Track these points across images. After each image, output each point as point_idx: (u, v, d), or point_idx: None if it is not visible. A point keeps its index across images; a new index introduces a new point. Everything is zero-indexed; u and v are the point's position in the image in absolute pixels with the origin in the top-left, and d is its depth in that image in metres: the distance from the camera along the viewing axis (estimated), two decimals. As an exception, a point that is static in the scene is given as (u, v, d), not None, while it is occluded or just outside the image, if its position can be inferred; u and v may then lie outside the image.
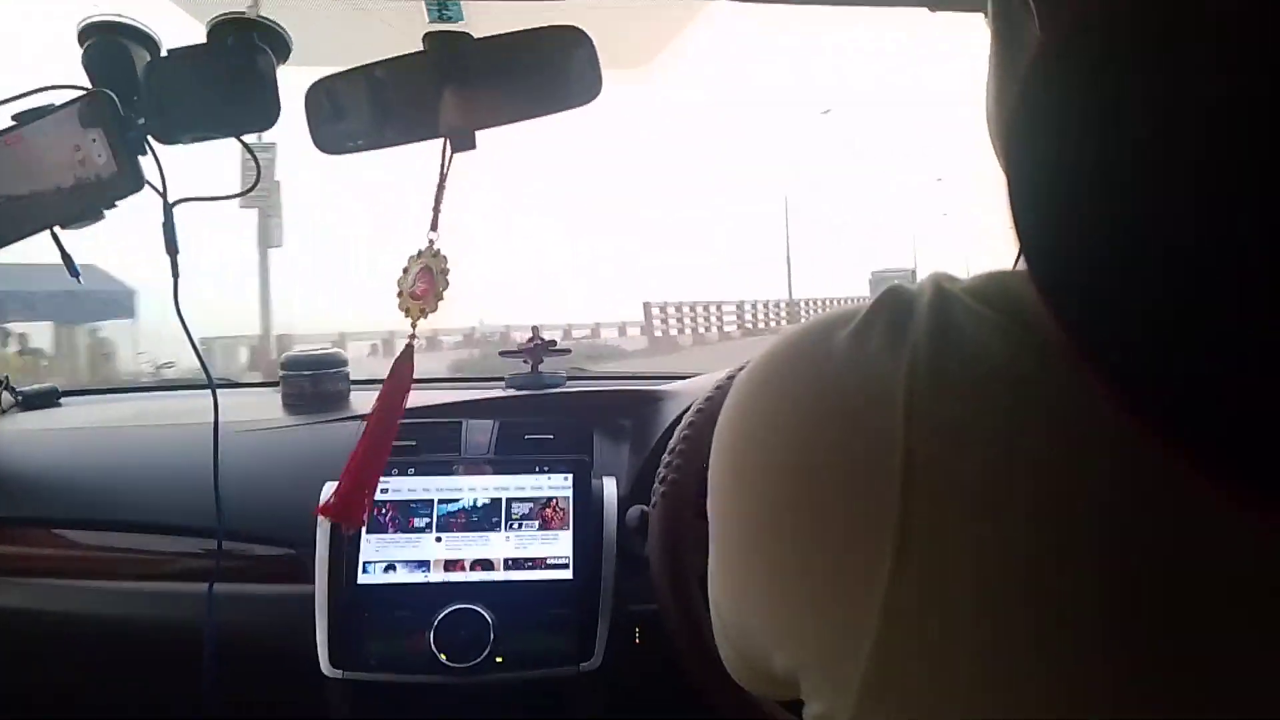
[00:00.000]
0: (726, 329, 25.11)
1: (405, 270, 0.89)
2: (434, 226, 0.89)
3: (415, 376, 0.91)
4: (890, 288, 0.45)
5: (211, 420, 1.10)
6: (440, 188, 0.89)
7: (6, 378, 1.44)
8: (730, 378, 0.98)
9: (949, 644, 0.37)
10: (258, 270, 10.29)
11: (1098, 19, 0.33)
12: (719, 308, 25.70)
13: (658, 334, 21.86)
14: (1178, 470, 0.32)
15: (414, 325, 0.89)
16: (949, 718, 0.38)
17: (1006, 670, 0.37)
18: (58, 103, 0.92)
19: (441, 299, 0.89)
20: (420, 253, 0.89)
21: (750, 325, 26.68)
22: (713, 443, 0.50)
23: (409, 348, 0.90)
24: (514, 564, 1.12)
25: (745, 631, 0.49)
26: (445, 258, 0.89)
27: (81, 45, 0.92)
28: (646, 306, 22.45)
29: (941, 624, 0.37)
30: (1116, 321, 0.32)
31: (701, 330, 23.81)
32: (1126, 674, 0.36)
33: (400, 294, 0.89)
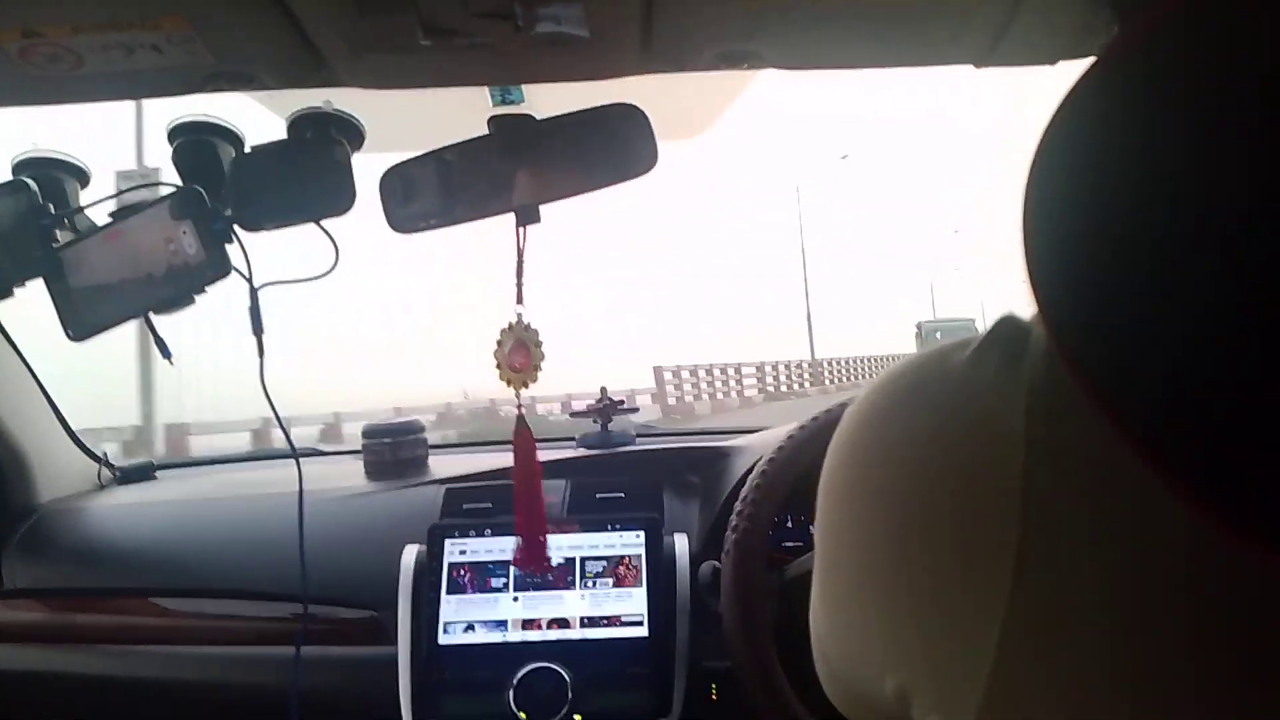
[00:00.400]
0: (747, 393, 24.18)
1: (499, 343, 0.94)
2: (519, 300, 0.95)
3: (483, 439, 0.96)
4: (1004, 317, 0.45)
5: (297, 489, 1.15)
6: (519, 263, 0.94)
7: (105, 453, 1.52)
8: (801, 428, 0.99)
9: (1063, 680, 0.38)
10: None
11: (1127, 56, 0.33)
12: (738, 370, 24.59)
13: (671, 400, 20.70)
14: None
15: (518, 394, 0.97)
16: None
17: (1117, 708, 0.37)
18: (151, 199, 0.98)
19: (540, 369, 0.96)
20: (511, 326, 0.94)
21: (773, 388, 25.59)
22: (823, 474, 0.50)
23: (520, 416, 0.98)
24: (589, 622, 1.13)
25: (851, 658, 0.49)
26: (536, 330, 0.94)
27: (171, 144, 0.99)
28: (658, 371, 21.20)
29: (1056, 659, 0.38)
30: (1131, 379, 0.33)
31: (720, 395, 22.83)
32: (1219, 706, 0.37)
33: (499, 365, 0.95)
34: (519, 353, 0.94)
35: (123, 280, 1.01)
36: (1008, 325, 0.44)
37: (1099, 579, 0.37)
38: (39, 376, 1.40)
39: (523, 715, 1.07)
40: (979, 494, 0.40)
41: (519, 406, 0.98)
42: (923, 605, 0.42)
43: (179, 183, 0.97)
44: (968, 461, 0.41)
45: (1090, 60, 0.34)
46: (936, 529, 0.41)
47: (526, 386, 0.96)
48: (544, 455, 1.42)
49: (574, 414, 1.48)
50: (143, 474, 1.53)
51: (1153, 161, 0.32)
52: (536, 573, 1.14)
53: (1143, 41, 0.33)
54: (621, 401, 1.45)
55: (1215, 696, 0.37)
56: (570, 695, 1.07)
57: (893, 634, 0.44)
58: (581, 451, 1.43)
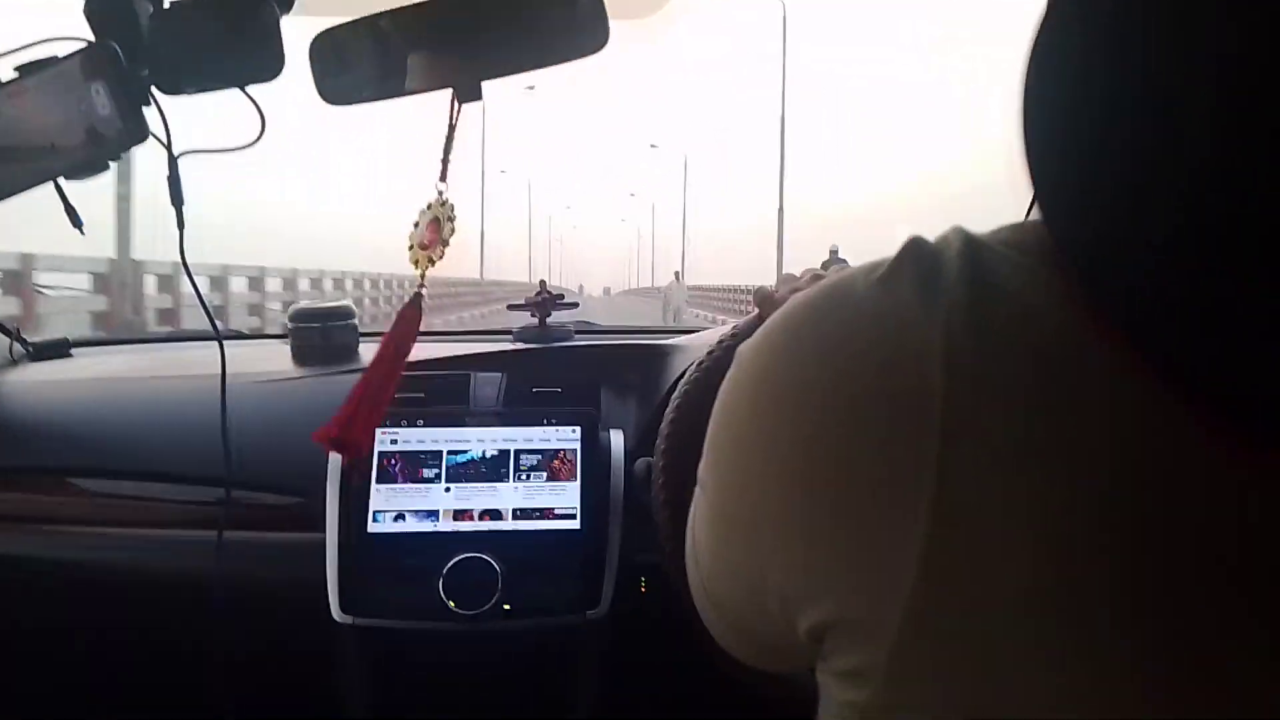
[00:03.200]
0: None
1: (415, 224, 0.89)
2: (443, 177, 0.88)
3: (423, 329, 0.92)
4: (912, 238, 0.44)
5: (219, 371, 1.12)
6: (449, 139, 0.88)
7: (17, 328, 1.45)
8: (734, 334, 0.98)
9: (983, 594, 0.38)
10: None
11: None
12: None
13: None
14: (1196, 427, 0.32)
15: (422, 275, 0.89)
16: (982, 666, 0.38)
17: (1037, 622, 0.37)
18: (61, 54, 0.91)
19: (447, 245, 0.88)
20: (430, 205, 0.89)
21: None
22: (719, 404, 0.50)
23: (417, 295, 0.90)
24: (522, 514, 1.13)
25: (752, 599, 0.49)
26: (452, 205, 0.89)
27: None
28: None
29: (976, 574, 0.38)
30: (1126, 260, 0.32)
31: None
32: (1137, 635, 0.37)
33: (410, 246, 0.88)
34: (431, 229, 0.88)
35: (30, 143, 0.94)
36: (917, 247, 0.43)
37: (1020, 494, 0.37)
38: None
39: (452, 604, 1.07)
40: (898, 410, 0.40)
41: (421, 285, 0.90)
42: (841, 528, 0.42)
43: (91, 38, 0.90)
44: (885, 377, 0.40)
45: None
46: (855, 447, 0.41)
47: (432, 264, 0.88)
48: (480, 348, 1.40)
49: (511, 306, 1.46)
50: (57, 350, 1.47)
51: (1132, 60, 0.31)
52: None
53: None
54: (561, 296, 1.43)
55: (1134, 615, 0.37)
56: (500, 585, 1.08)
57: (808, 564, 0.44)
58: (519, 345, 1.41)
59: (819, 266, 0.96)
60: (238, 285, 13.65)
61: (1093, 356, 0.38)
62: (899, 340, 0.40)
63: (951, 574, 0.38)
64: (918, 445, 0.38)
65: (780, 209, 26.30)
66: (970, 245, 0.42)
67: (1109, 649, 0.37)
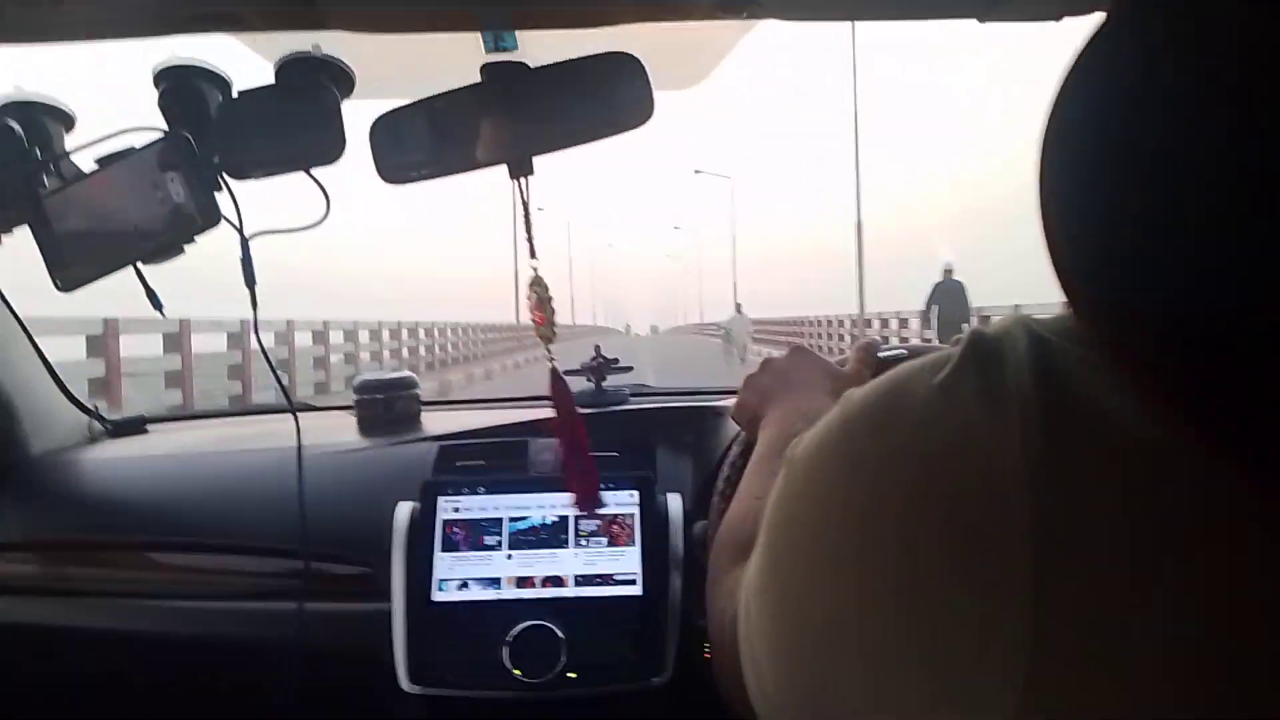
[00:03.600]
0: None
1: (529, 299, 0.95)
2: (532, 254, 0.94)
3: (479, 398, 0.95)
4: (973, 331, 0.43)
5: (294, 443, 1.15)
6: (528, 218, 0.93)
7: (96, 406, 1.51)
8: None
9: (1096, 688, 0.36)
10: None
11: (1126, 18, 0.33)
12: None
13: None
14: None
15: (549, 350, 0.98)
16: None
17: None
18: (137, 145, 0.96)
19: (554, 325, 0.97)
20: (530, 284, 0.94)
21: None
22: (776, 513, 0.48)
23: (554, 369, 1.00)
24: (583, 580, 1.13)
25: (821, 713, 0.46)
26: (546, 285, 0.95)
27: (157, 88, 0.96)
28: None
29: (1081, 695, 0.36)
30: (1153, 340, 0.32)
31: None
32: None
33: (534, 324, 0.97)
34: (538, 310, 0.94)
35: (110, 230, 0.99)
36: (980, 344, 0.42)
37: (1117, 614, 0.36)
38: (28, 327, 1.38)
39: (517, 672, 1.07)
40: (978, 528, 0.38)
41: (550, 359, 0.99)
42: (917, 648, 0.40)
43: (165, 129, 0.95)
44: (961, 493, 0.39)
45: (1095, 17, 0.34)
46: (936, 578, 0.39)
47: (550, 341, 0.97)
48: (537, 414, 1.41)
49: (568, 372, 1.47)
50: (134, 427, 1.52)
51: (1170, 123, 0.31)
52: (591, 510, 1.13)
53: (1138, 6, 0.33)
54: (616, 360, 1.44)
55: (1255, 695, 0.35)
56: (565, 652, 1.07)
57: (881, 687, 0.42)
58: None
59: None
60: (301, 340, 14.23)
61: (1174, 451, 0.36)
62: (974, 449, 0.39)
63: (1056, 686, 0.37)
64: (1010, 559, 0.37)
65: (859, 223, 22.43)
66: (1035, 342, 0.41)
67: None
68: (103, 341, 9.05)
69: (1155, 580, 0.36)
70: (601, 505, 1.11)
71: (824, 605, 0.44)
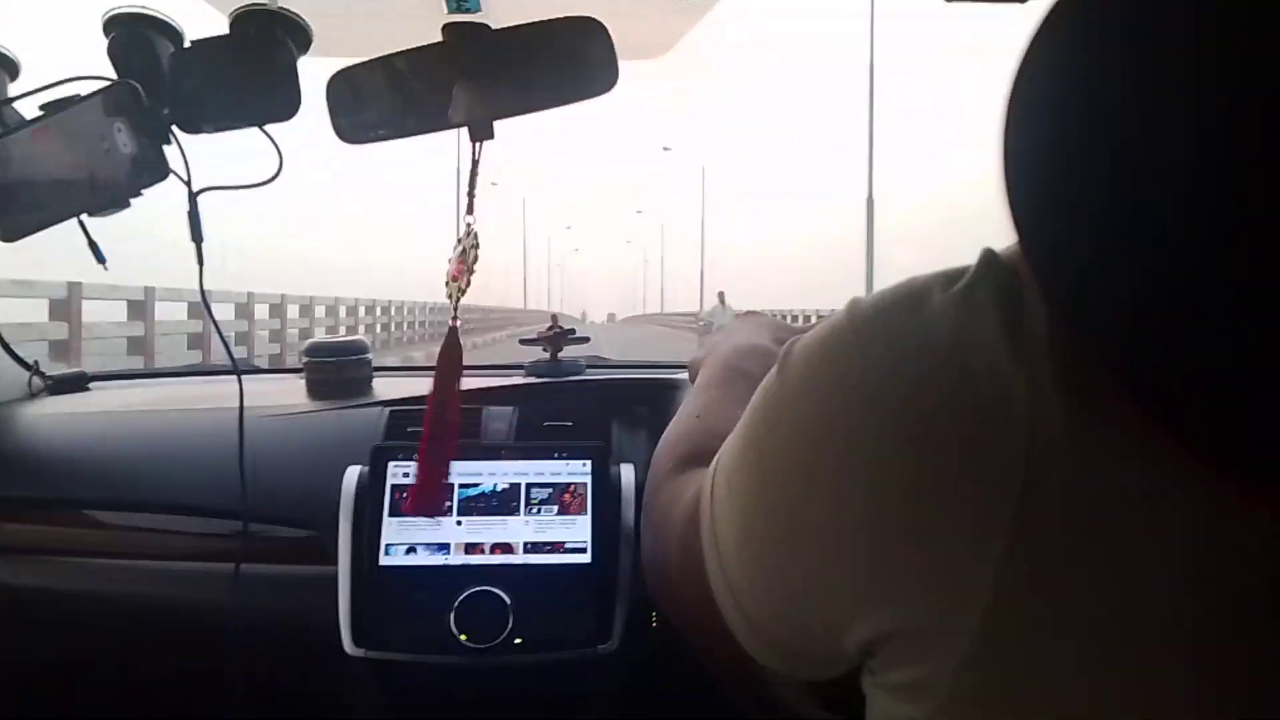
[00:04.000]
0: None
1: (449, 260, 0.92)
2: (469, 210, 0.92)
3: (431, 365, 0.94)
4: (986, 252, 0.44)
5: (237, 405, 1.13)
6: (474, 175, 0.91)
7: (36, 362, 1.47)
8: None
9: (1056, 619, 0.38)
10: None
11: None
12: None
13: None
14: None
15: (454, 308, 0.94)
16: (1052, 690, 0.38)
17: (1109, 655, 0.38)
18: (84, 93, 0.93)
19: (473, 273, 0.93)
20: (459, 239, 0.91)
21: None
22: (764, 405, 0.49)
23: (453, 330, 0.95)
24: (533, 548, 1.13)
25: (796, 607, 0.48)
26: (477, 235, 0.93)
27: (106, 36, 0.94)
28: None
29: (1050, 599, 0.38)
30: (1106, 305, 0.33)
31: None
32: (1214, 673, 0.37)
33: (446, 282, 0.93)
34: (459, 261, 0.91)
35: (55, 180, 0.96)
36: (994, 264, 0.43)
37: (1101, 536, 0.37)
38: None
39: (463, 638, 1.07)
40: (981, 440, 0.39)
41: (454, 318, 0.95)
42: (914, 538, 0.41)
43: (113, 77, 0.93)
44: (968, 409, 0.40)
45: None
46: (935, 464, 0.41)
47: (463, 294, 0.93)
48: (491, 382, 1.41)
49: (523, 341, 1.47)
50: (75, 384, 1.49)
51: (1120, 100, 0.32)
52: (426, 513, 1.11)
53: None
54: (572, 330, 1.44)
55: (1203, 652, 0.37)
56: (512, 619, 1.07)
57: (871, 572, 0.43)
58: (530, 379, 1.41)
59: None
60: (260, 312, 14.41)
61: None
62: (982, 372, 0.40)
63: (1027, 596, 0.38)
64: (1002, 479, 0.38)
65: (870, 199, 20.46)
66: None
67: (1178, 684, 0.37)
68: (66, 305, 9.15)
69: (1129, 524, 0.37)
70: (437, 498, 1.08)
71: (814, 490, 0.45)
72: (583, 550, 1.13)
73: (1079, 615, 0.38)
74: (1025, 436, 0.38)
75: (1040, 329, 0.40)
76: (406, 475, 1.16)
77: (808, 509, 0.45)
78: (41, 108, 0.95)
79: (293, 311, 16.09)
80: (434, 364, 0.97)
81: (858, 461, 0.43)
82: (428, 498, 1.02)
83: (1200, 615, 0.37)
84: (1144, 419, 0.37)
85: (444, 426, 0.97)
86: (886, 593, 0.42)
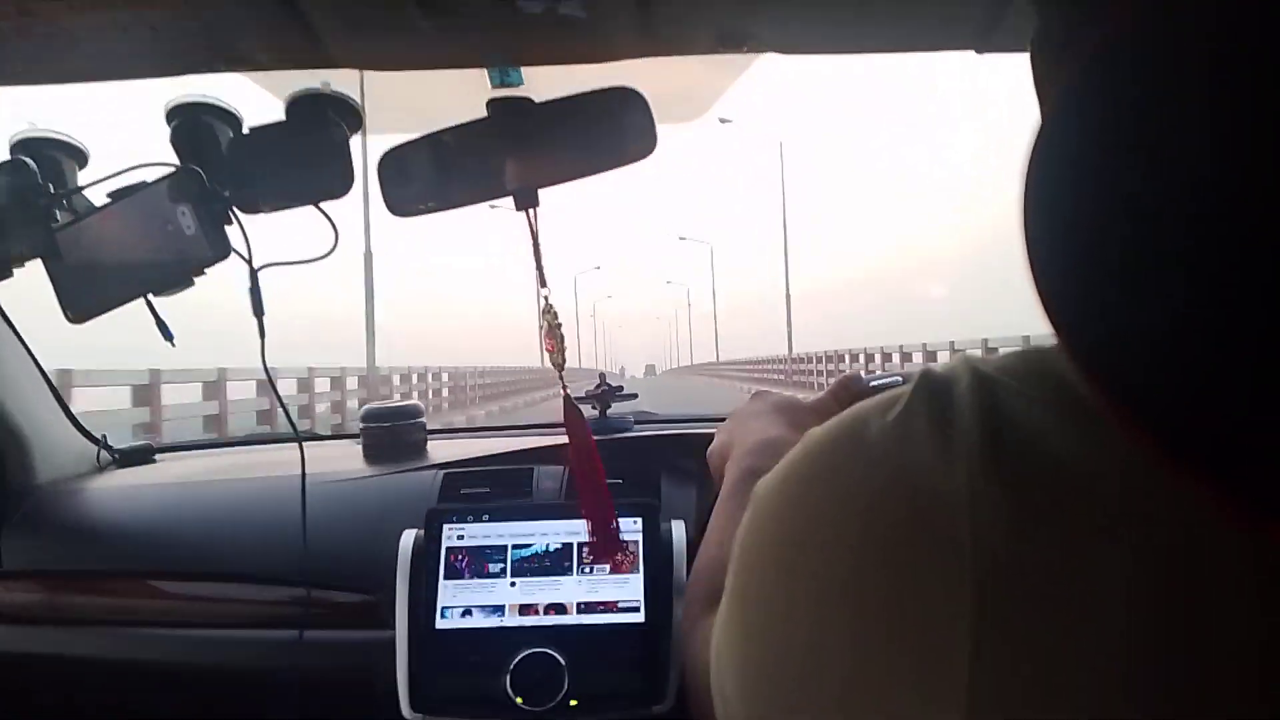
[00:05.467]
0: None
1: (540, 329, 0.96)
2: (542, 283, 0.95)
3: (482, 425, 0.96)
4: (924, 371, 0.45)
5: (299, 472, 1.15)
6: (536, 247, 0.94)
7: (104, 436, 1.52)
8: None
9: (1035, 711, 0.37)
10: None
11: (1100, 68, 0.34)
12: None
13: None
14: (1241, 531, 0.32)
15: (561, 378, 0.99)
16: None
17: None
18: (149, 180, 0.98)
19: (565, 347, 0.98)
20: (542, 313, 0.96)
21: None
22: (740, 544, 0.50)
23: (568, 398, 1.01)
24: (586, 608, 1.13)
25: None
26: (555, 312, 0.97)
27: (169, 124, 0.98)
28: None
29: (1026, 695, 0.37)
30: (1137, 364, 0.33)
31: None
32: None
33: (547, 351, 0.98)
34: (548, 338, 0.95)
35: (121, 262, 1.01)
36: (928, 384, 0.44)
37: (1059, 631, 0.37)
38: (37, 357, 1.40)
39: (519, 700, 1.07)
40: (926, 561, 0.40)
41: (564, 387, 1.00)
42: (873, 673, 0.41)
43: (177, 164, 0.97)
44: (910, 526, 0.40)
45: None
46: (880, 597, 0.41)
47: (561, 368, 0.98)
48: (542, 441, 1.42)
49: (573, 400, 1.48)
50: (142, 456, 1.53)
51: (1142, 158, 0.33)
52: (609, 561, 1.15)
53: (1107, 45, 0.33)
54: (620, 388, 1.45)
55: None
56: (567, 680, 1.07)
57: (845, 711, 0.42)
58: None
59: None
60: (320, 385, 15.15)
61: (1103, 477, 0.38)
62: (918, 485, 0.41)
63: (1000, 693, 0.38)
64: (952, 594, 0.38)
65: (787, 295, 32.76)
66: (979, 382, 0.42)
67: None
68: (148, 390, 9.95)
69: (1082, 601, 0.37)
70: (619, 543, 1.13)
71: (781, 639, 0.46)
72: (635, 609, 1.13)
73: (1056, 701, 0.37)
74: (969, 538, 0.38)
75: (973, 439, 0.40)
76: (461, 537, 1.17)
77: (780, 648, 0.46)
78: (109, 195, 0.99)
79: (351, 383, 16.98)
80: (484, 425, 1.00)
81: (829, 593, 0.43)
82: (609, 549, 1.10)
83: (1176, 678, 0.36)
84: (1080, 511, 0.38)
85: (595, 478, 1.03)
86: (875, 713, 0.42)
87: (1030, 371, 0.43)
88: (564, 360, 0.98)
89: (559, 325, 0.96)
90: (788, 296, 32.18)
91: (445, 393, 24.06)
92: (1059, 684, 0.37)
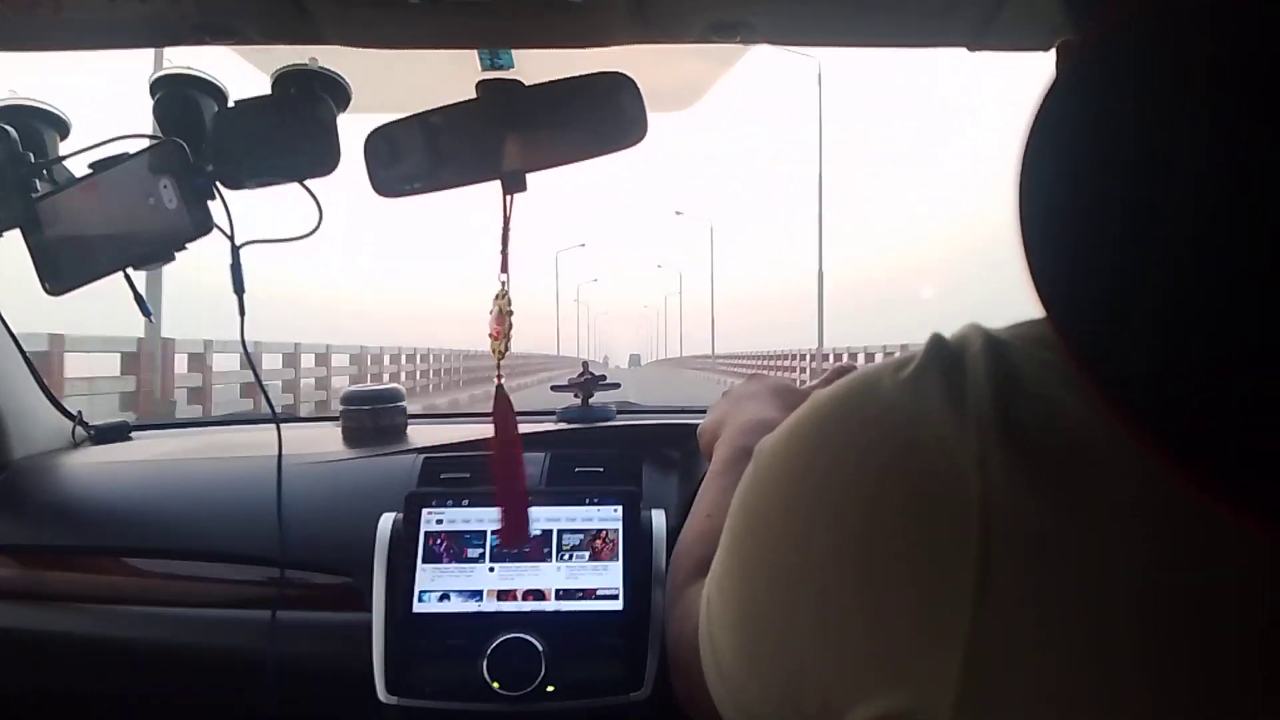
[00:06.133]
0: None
1: (490, 312, 0.94)
2: (504, 268, 0.94)
3: (464, 411, 0.95)
4: (934, 337, 0.45)
5: (276, 453, 1.15)
6: (505, 231, 0.93)
7: (80, 412, 1.50)
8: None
9: (1025, 687, 0.38)
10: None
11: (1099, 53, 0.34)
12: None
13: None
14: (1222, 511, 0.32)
15: (498, 364, 0.96)
16: None
17: (1076, 715, 0.38)
18: (131, 151, 0.97)
19: (509, 338, 0.95)
20: (496, 296, 0.93)
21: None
22: (740, 504, 0.50)
23: (499, 388, 0.99)
24: (565, 594, 1.13)
25: (791, 697, 0.48)
26: (510, 299, 0.94)
27: (153, 97, 0.97)
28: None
29: (1017, 668, 0.38)
30: (1127, 353, 0.33)
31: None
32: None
33: (490, 337, 0.95)
34: (496, 321, 0.93)
35: (101, 235, 1.00)
36: (940, 346, 0.45)
37: (1058, 590, 0.38)
38: (12, 330, 1.38)
39: (496, 684, 1.07)
40: (938, 511, 0.40)
41: (499, 376, 0.97)
42: (886, 623, 0.42)
43: (159, 136, 0.96)
44: (922, 479, 0.41)
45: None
46: (899, 545, 0.42)
47: (503, 355, 0.95)
48: (524, 428, 1.41)
49: (555, 388, 1.48)
50: (117, 433, 1.52)
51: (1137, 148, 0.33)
52: (517, 546, 1.13)
53: (1104, 39, 0.34)
54: (603, 377, 1.45)
55: (1170, 711, 0.37)
56: (544, 666, 1.07)
57: (853, 660, 0.44)
58: (561, 425, 1.42)
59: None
60: (306, 361, 15.12)
61: (1118, 448, 0.38)
62: (931, 444, 0.41)
63: (995, 667, 0.39)
64: (960, 545, 0.39)
65: (820, 273, 25.58)
66: (991, 344, 0.43)
67: None
68: (135, 359, 10.04)
69: (1083, 559, 0.38)
70: (526, 542, 1.11)
71: (791, 585, 0.46)
72: (614, 596, 1.13)
73: (1047, 682, 0.38)
74: (979, 510, 0.39)
75: (984, 400, 0.41)
76: (440, 522, 1.17)
77: (788, 602, 0.46)
78: (90, 165, 0.98)
79: (339, 360, 16.96)
80: (466, 410, 0.99)
81: (828, 550, 0.44)
82: (517, 535, 1.08)
83: (1179, 667, 0.37)
84: (1087, 477, 0.38)
85: (513, 464, 1.02)
86: (869, 677, 0.43)
87: (1044, 335, 0.43)
88: (507, 348, 0.96)
89: (510, 313, 0.95)
90: (820, 279, 25.57)
91: (433, 374, 24.16)
92: (1059, 640, 0.38)
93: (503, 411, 0.99)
